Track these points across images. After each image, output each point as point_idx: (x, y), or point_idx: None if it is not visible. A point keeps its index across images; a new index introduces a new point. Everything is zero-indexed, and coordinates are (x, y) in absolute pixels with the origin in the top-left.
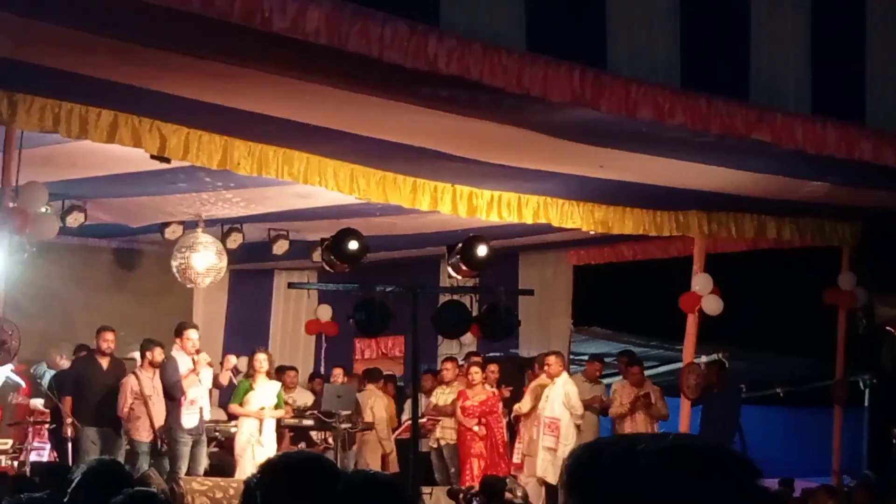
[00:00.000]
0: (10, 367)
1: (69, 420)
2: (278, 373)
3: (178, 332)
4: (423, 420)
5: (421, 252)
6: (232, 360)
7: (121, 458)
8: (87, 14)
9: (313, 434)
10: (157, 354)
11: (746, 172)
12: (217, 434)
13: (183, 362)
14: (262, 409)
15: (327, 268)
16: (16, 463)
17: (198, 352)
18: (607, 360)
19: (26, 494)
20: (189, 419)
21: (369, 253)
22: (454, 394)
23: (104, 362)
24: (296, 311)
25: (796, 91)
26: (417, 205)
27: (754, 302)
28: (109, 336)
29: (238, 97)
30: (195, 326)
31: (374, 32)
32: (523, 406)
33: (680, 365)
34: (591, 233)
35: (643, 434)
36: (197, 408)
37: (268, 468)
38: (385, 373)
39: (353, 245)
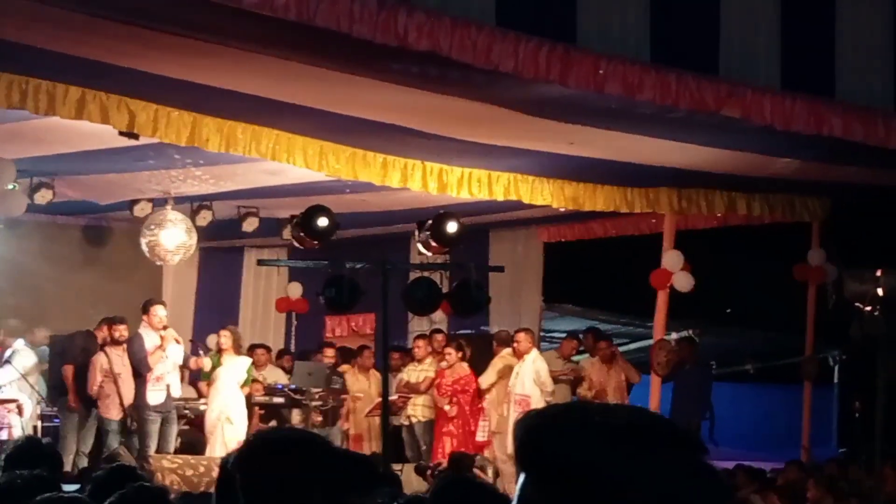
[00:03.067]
0: None
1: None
2: (249, 350)
3: (145, 309)
4: (394, 398)
5: (391, 229)
6: (206, 362)
7: (91, 437)
8: None
9: (295, 413)
10: (122, 331)
11: (717, 149)
12: (187, 412)
13: (150, 339)
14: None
15: (297, 244)
16: None
17: (165, 328)
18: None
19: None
20: (155, 396)
21: (339, 230)
22: (427, 371)
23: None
24: (266, 288)
25: (766, 65)
26: (388, 182)
27: (724, 278)
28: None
29: (207, 73)
30: (162, 303)
31: (343, 7)
32: (484, 381)
33: (650, 342)
34: (562, 210)
35: (597, 405)
36: (164, 385)
37: (251, 446)
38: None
39: (323, 221)
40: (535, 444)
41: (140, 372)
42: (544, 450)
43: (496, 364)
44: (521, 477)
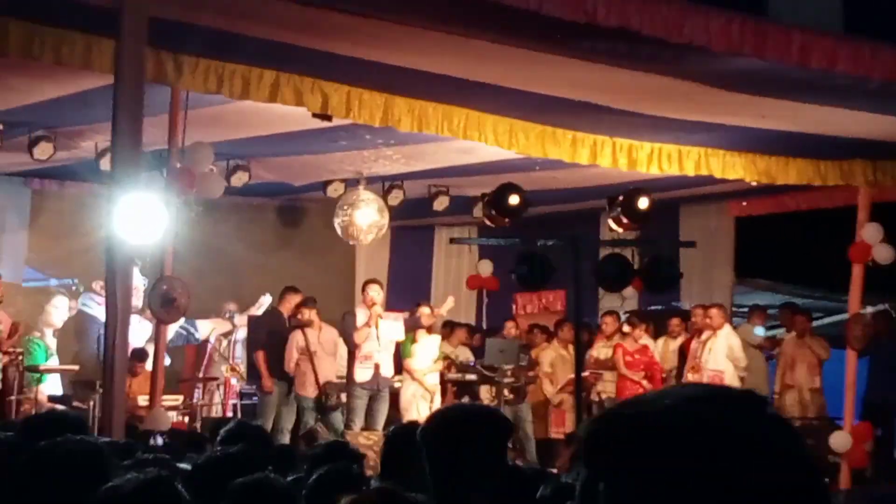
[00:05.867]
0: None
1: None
2: (442, 328)
3: (363, 288)
4: (586, 374)
5: (580, 205)
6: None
7: (292, 414)
8: None
9: (485, 390)
10: (305, 313)
11: None
12: None
13: (361, 317)
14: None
15: (488, 222)
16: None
17: (372, 305)
18: (770, 311)
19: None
20: (363, 373)
21: (529, 207)
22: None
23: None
24: (457, 266)
25: None
26: (577, 159)
27: None
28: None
29: (398, 54)
30: (375, 281)
31: None
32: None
33: (845, 316)
34: (753, 184)
35: (646, 396)
36: (371, 363)
37: (438, 419)
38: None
39: (514, 199)
40: (599, 445)
41: (350, 349)
42: (610, 448)
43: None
44: (584, 475)
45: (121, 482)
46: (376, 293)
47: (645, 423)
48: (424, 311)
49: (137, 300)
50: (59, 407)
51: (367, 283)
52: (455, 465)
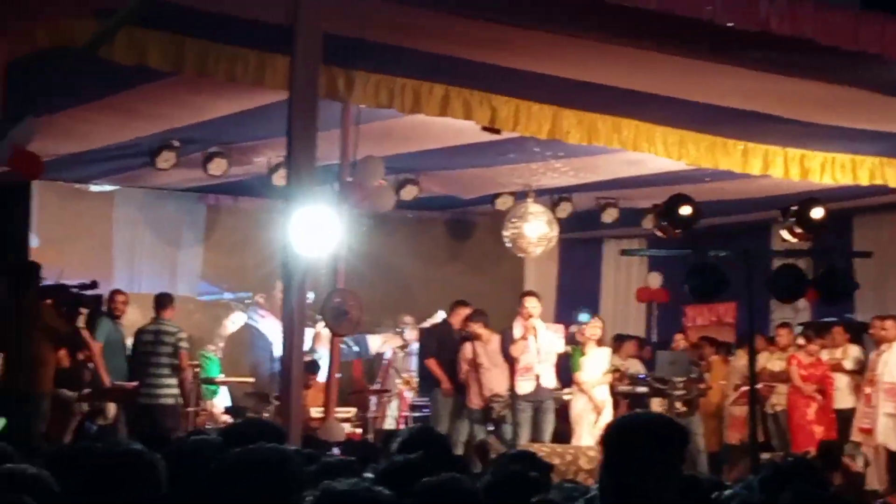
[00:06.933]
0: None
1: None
2: (614, 341)
3: (519, 300)
4: (759, 386)
5: (750, 217)
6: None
7: (465, 427)
8: None
9: (656, 403)
10: (473, 327)
11: None
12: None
13: (519, 329)
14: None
15: (659, 234)
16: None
17: (529, 317)
18: None
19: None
20: (524, 385)
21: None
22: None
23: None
24: (626, 278)
25: None
26: (748, 169)
27: None
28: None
29: (568, 66)
30: (532, 294)
31: None
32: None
33: None
34: None
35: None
36: (532, 375)
37: (617, 427)
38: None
39: (686, 210)
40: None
41: (510, 362)
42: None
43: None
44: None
45: (340, 484)
46: (533, 305)
47: None
48: (595, 323)
49: None
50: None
51: (524, 295)
52: (633, 472)
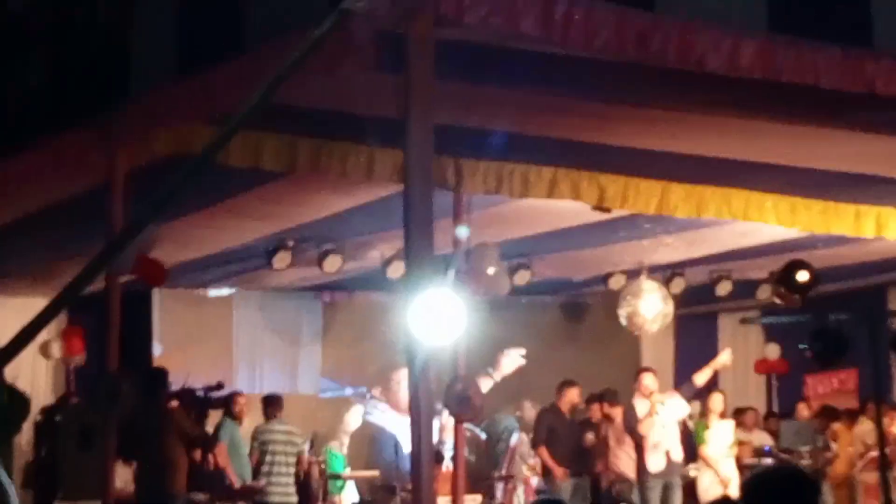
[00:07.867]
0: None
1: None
2: (736, 413)
3: (636, 378)
4: (888, 450)
5: (864, 281)
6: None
7: None
8: (527, 75)
9: None
10: (606, 409)
11: None
12: None
13: (641, 406)
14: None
15: (777, 301)
16: None
17: (651, 394)
18: None
19: None
20: (655, 462)
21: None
22: None
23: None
24: (744, 350)
25: None
26: (861, 232)
27: None
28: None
29: (674, 141)
30: (648, 370)
31: (808, 59)
32: None
33: None
34: None
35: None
36: (662, 451)
37: (757, 477)
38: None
39: (804, 276)
40: None
41: (636, 441)
42: None
43: None
44: None
45: None
46: (650, 382)
47: None
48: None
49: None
50: None
51: (640, 371)
52: None
